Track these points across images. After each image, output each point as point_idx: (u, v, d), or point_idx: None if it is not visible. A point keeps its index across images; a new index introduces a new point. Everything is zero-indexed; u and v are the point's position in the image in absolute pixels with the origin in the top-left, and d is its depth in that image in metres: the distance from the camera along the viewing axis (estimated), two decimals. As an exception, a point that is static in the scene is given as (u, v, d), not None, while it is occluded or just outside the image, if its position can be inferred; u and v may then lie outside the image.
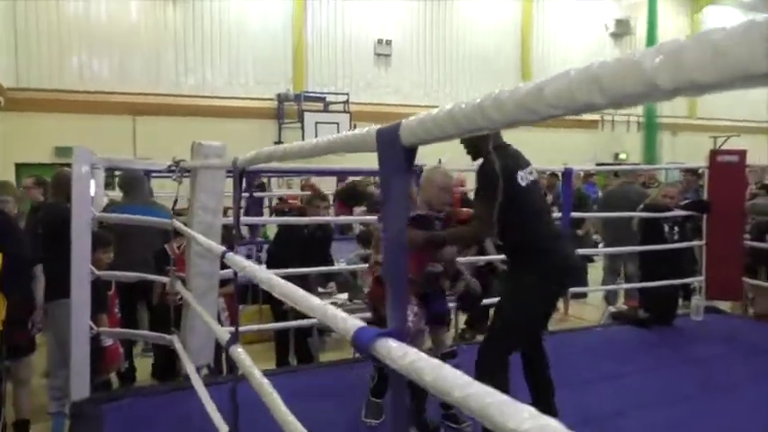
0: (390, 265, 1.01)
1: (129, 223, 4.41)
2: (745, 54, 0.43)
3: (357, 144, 1.13)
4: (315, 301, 1.27)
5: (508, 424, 0.62)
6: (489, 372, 2.76)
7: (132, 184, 5.18)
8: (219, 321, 4.21)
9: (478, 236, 3.13)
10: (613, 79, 0.55)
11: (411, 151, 0.96)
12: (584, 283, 7.31)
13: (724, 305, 6.02)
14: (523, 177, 2.94)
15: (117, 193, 5.78)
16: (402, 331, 0.97)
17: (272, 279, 1.49)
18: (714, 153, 5.74)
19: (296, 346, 5.12)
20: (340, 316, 1.10)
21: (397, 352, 0.88)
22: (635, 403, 3.54)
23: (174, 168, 3.66)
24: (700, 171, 6.52)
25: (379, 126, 1.01)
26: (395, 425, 1.08)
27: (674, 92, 0.50)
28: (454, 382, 0.72)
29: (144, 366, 5.27)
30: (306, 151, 1.40)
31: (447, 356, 3.35)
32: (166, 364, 4.65)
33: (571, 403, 3.13)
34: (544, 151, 10.60)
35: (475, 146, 3.01)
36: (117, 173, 6.23)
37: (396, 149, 0.95)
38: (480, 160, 2.98)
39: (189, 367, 3.21)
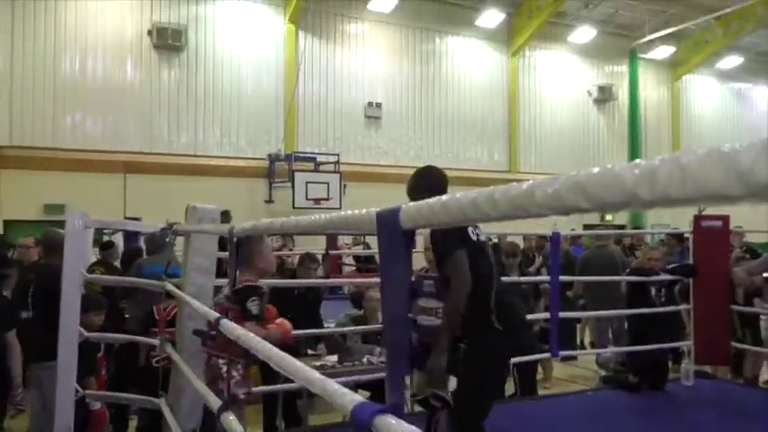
0: (391, 342, 1.05)
1: (122, 285, 4.41)
2: (708, 179, 0.50)
3: (356, 224, 1.18)
4: (313, 373, 1.29)
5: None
6: None
7: (164, 243, 5.28)
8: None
9: (463, 295, 2.88)
10: (597, 188, 0.61)
11: (410, 234, 1.01)
12: (572, 344, 7.31)
13: (710, 367, 6.01)
14: (473, 233, 3.05)
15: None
16: (400, 407, 1.00)
17: (270, 350, 1.51)
18: (698, 218, 5.84)
19: (284, 409, 5.03)
20: (339, 391, 1.12)
21: (396, 429, 0.90)
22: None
23: (167, 230, 3.74)
24: (685, 235, 6.62)
25: (378, 209, 1.06)
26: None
27: (651, 204, 0.56)
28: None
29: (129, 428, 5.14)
30: (303, 227, 1.45)
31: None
32: (152, 426, 4.55)
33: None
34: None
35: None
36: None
37: (395, 232, 1.00)
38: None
39: (176, 433, 3.15)
